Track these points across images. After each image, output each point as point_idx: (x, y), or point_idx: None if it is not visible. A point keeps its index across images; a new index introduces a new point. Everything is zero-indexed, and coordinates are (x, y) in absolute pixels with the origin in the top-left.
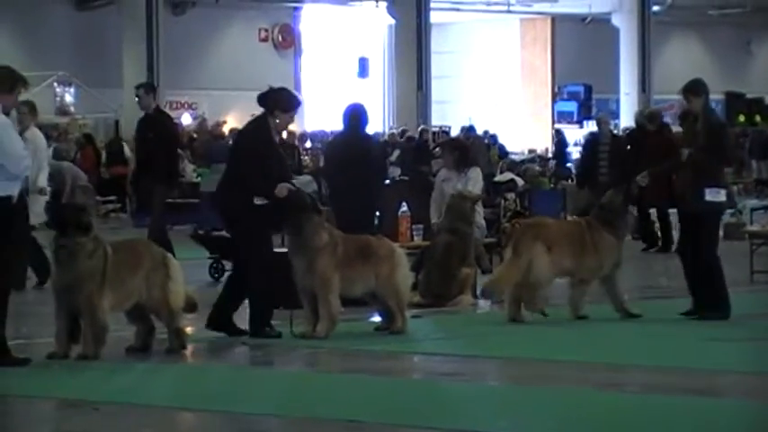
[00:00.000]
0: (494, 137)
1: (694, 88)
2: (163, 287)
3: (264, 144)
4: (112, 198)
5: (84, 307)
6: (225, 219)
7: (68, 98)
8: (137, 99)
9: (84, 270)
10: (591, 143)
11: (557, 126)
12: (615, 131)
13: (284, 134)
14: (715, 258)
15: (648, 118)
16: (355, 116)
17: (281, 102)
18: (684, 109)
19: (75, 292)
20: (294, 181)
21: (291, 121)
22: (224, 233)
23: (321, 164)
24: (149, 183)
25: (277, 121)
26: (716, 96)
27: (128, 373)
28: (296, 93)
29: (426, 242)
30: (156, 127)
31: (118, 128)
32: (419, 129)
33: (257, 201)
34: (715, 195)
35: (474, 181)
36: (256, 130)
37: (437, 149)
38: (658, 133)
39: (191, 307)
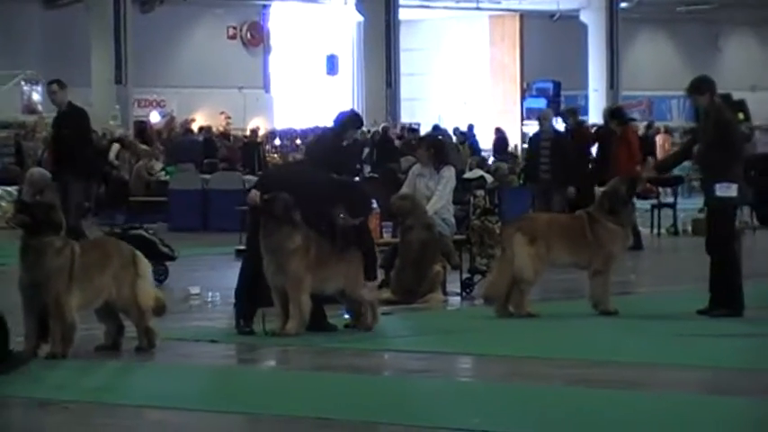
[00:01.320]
0: (464, 133)
1: (697, 87)
2: (132, 286)
3: None
4: None
5: (52, 306)
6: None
7: (36, 96)
8: (50, 95)
9: (52, 269)
10: (532, 140)
11: (497, 125)
12: (581, 126)
13: (247, 132)
14: (729, 254)
15: (610, 115)
16: (345, 121)
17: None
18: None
19: (43, 290)
20: None
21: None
22: (142, 231)
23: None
24: (67, 179)
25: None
26: (683, 93)
27: (97, 371)
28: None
29: (395, 239)
30: (71, 123)
31: None
32: (381, 126)
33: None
34: (725, 191)
35: (447, 180)
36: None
37: (413, 142)
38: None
39: (159, 309)
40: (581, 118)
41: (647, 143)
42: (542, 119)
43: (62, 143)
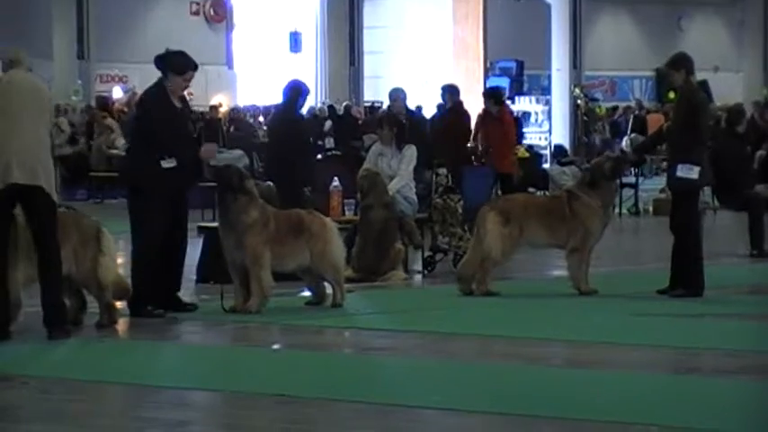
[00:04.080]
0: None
1: (674, 62)
2: (93, 261)
3: (164, 106)
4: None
5: None
6: (129, 188)
7: None
8: None
9: None
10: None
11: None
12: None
13: (207, 108)
14: (691, 235)
15: (487, 95)
16: (291, 93)
17: (174, 64)
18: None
19: None
20: (226, 155)
21: (186, 84)
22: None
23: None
24: None
25: (170, 84)
26: (646, 73)
27: (58, 347)
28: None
29: (357, 217)
30: None
31: None
32: (344, 104)
33: (165, 164)
34: (687, 172)
35: (409, 159)
36: (155, 94)
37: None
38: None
39: (123, 292)
40: (459, 98)
41: (640, 122)
42: (393, 99)
43: None
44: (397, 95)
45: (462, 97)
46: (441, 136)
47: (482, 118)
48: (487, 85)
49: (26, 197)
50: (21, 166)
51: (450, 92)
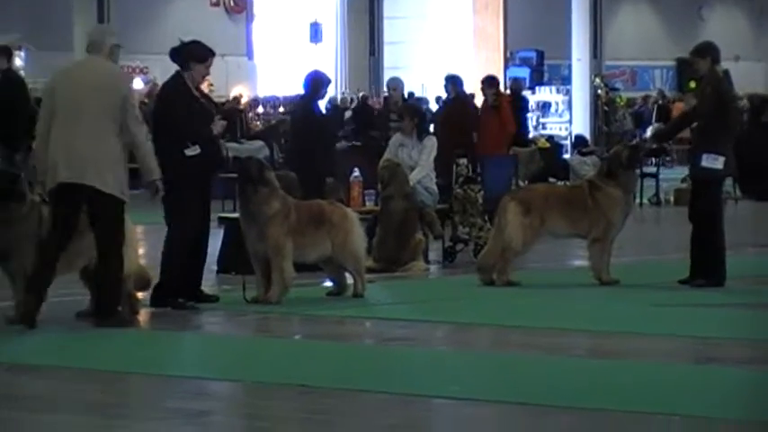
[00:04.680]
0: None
1: (700, 49)
2: None
3: (185, 97)
4: None
5: (17, 272)
6: (163, 180)
7: (18, 62)
8: None
9: (15, 235)
10: (382, 114)
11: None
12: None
13: (230, 98)
14: (713, 225)
15: (485, 83)
16: (312, 84)
17: (195, 53)
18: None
19: (9, 257)
20: (246, 146)
21: (207, 72)
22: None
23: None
24: (6, 145)
25: (193, 72)
26: (667, 63)
27: (80, 337)
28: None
29: (377, 207)
30: (6, 88)
31: None
32: (360, 95)
33: (189, 152)
34: (712, 162)
35: (429, 150)
36: (175, 86)
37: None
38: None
39: (144, 283)
40: (462, 89)
41: (665, 112)
42: (392, 88)
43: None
44: (396, 85)
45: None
46: (441, 126)
47: (482, 107)
48: (508, 76)
49: (78, 195)
50: (68, 164)
51: (453, 82)
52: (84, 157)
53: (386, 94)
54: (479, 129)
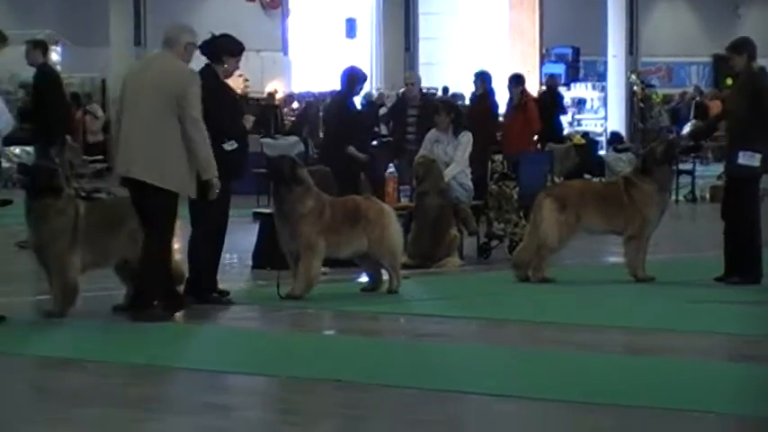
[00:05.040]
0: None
1: (736, 45)
2: None
3: (220, 90)
4: (99, 157)
5: (54, 265)
6: None
7: (55, 57)
8: (25, 55)
9: (53, 229)
10: (396, 107)
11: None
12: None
13: (265, 95)
14: (748, 223)
15: (513, 80)
16: (348, 79)
17: (227, 46)
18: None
19: (46, 251)
20: (281, 141)
21: (237, 66)
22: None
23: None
24: (41, 139)
25: (225, 66)
26: (703, 59)
27: (116, 332)
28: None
29: (412, 203)
30: (39, 84)
31: (104, 87)
32: (401, 90)
33: (227, 146)
34: (749, 159)
35: (464, 146)
36: (206, 79)
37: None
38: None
39: (178, 278)
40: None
41: (702, 109)
42: (409, 83)
43: (33, 105)
44: (413, 79)
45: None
46: (471, 122)
47: (508, 105)
48: (543, 72)
49: (135, 188)
50: (123, 158)
51: (482, 78)
52: (135, 151)
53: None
54: (504, 127)
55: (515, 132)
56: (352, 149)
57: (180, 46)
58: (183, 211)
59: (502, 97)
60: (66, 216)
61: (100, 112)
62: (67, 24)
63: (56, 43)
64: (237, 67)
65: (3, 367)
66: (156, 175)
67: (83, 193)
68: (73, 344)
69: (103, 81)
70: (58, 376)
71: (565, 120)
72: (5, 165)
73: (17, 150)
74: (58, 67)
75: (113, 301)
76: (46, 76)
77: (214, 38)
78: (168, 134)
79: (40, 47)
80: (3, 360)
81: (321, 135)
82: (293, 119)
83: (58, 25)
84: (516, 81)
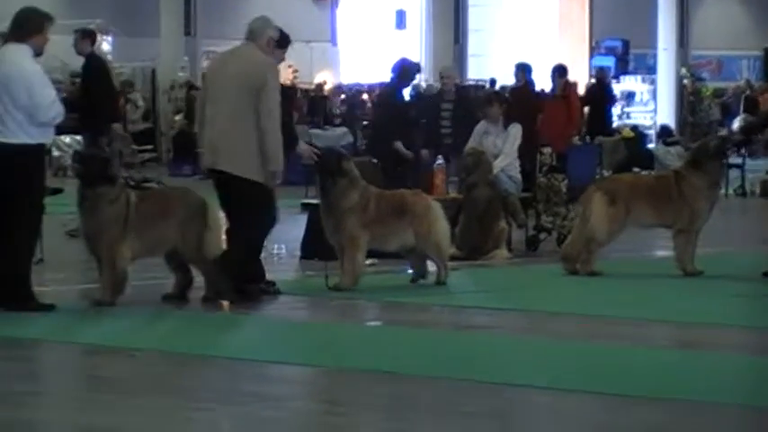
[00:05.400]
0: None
1: None
2: (199, 235)
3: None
4: (149, 147)
5: (105, 254)
6: None
7: (106, 47)
8: (74, 45)
9: (104, 218)
10: (430, 100)
11: None
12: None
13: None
14: None
15: (557, 72)
16: (399, 71)
17: (278, 39)
18: None
19: (97, 239)
20: (329, 132)
21: (284, 58)
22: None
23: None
24: (90, 128)
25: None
26: (754, 53)
27: (164, 321)
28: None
29: (460, 195)
30: (88, 74)
31: (154, 77)
32: (456, 82)
33: None
34: None
35: (514, 138)
36: None
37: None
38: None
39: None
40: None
41: (752, 103)
42: (445, 77)
43: (82, 95)
44: (450, 73)
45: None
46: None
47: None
48: (593, 65)
49: (220, 179)
50: (209, 149)
51: (523, 69)
52: (219, 142)
53: (472, 81)
54: (544, 117)
55: (557, 123)
56: (398, 145)
57: (263, 39)
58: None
59: (545, 89)
60: (118, 205)
61: (140, 102)
62: (119, 15)
63: (107, 33)
64: (284, 59)
65: (53, 355)
66: (241, 167)
67: (132, 183)
68: (121, 332)
69: (153, 71)
70: (107, 364)
71: (614, 112)
72: (56, 153)
73: (67, 139)
74: (109, 57)
75: (162, 290)
76: (94, 65)
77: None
78: (249, 125)
79: (89, 36)
80: (53, 348)
81: (368, 127)
82: (342, 109)
83: (109, 16)
84: (559, 72)
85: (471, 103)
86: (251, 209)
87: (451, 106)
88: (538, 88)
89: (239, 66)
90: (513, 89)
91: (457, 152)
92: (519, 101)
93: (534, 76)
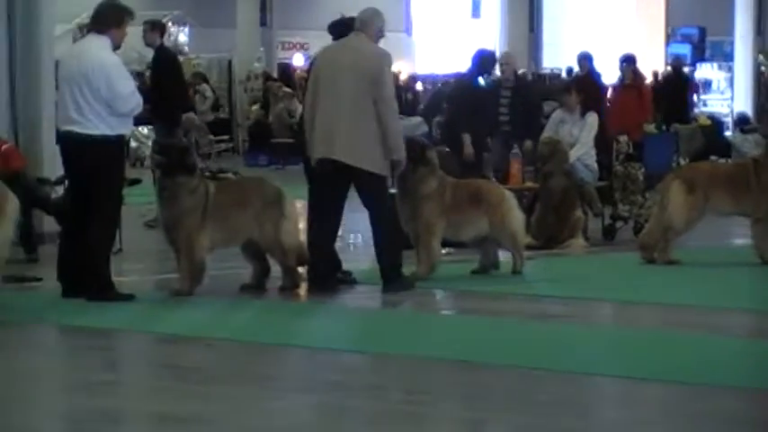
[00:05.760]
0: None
1: None
2: (276, 225)
3: None
4: (225, 137)
5: (183, 244)
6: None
7: (182, 38)
8: (143, 36)
9: (183, 208)
10: (487, 88)
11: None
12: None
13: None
14: None
15: (625, 61)
16: (477, 62)
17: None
18: None
19: (175, 229)
20: (404, 123)
21: None
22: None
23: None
24: (161, 119)
25: None
26: None
27: (242, 310)
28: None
29: (536, 184)
30: (158, 66)
31: (231, 68)
32: (520, 72)
33: None
34: None
35: (590, 127)
36: None
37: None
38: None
39: (303, 259)
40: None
41: None
42: (504, 63)
43: (153, 86)
44: (509, 59)
45: (641, 64)
46: None
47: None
48: (669, 52)
49: (338, 170)
50: (323, 140)
51: (585, 59)
52: (335, 132)
53: (548, 70)
54: (611, 105)
55: (629, 112)
56: (466, 137)
57: (372, 29)
58: (299, 192)
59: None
60: (197, 195)
61: (209, 92)
62: (196, 6)
63: (183, 24)
64: None
65: (131, 344)
66: (358, 158)
67: (208, 173)
68: (199, 322)
69: (230, 62)
70: (185, 354)
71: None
72: (134, 144)
73: (145, 131)
74: (186, 48)
75: (240, 280)
76: (163, 57)
77: (343, 19)
78: (367, 116)
79: (158, 28)
80: (131, 337)
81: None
82: (414, 98)
83: (186, 7)
84: (627, 61)
85: (530, 90)
86: (379, 197)
87: (510, 93)
88: (610, 78)
89: (354, 57)
90: (577, 78)
91: (515, 139)
92: (582, 90)
93: (608, 66)
